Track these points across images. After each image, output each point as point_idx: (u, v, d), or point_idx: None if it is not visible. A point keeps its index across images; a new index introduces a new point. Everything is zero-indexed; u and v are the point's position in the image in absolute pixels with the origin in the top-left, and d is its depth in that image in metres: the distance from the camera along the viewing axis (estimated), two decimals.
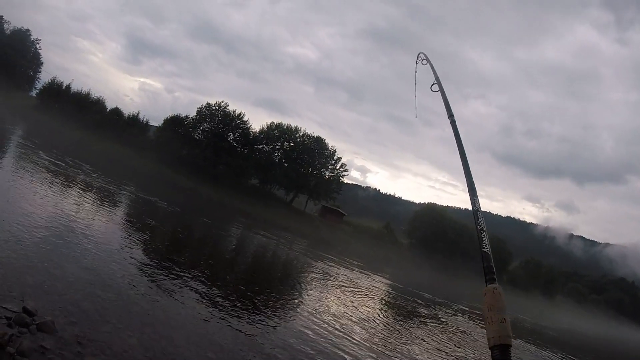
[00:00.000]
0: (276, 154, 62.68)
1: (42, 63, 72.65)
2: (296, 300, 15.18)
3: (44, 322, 6.13)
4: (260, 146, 62.09)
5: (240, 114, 60.23)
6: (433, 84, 3.97)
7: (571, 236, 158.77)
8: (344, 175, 65.25)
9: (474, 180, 2.90)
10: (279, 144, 62.57)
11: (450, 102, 3.48)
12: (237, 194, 52.87)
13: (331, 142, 70.10)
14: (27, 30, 69.82)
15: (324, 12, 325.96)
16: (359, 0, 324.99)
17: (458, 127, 3.21)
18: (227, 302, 11.40)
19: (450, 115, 3.50)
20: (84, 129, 49.46)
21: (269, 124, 62.79)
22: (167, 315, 8.90)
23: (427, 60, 4.39)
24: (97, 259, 10.67)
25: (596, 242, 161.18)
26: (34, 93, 67.47)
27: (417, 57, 4.68)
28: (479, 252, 2.36)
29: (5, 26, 68.28)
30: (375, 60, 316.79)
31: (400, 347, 13.15)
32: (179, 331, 8.37)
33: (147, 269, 11.73)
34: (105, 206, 18.85)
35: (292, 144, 62.33)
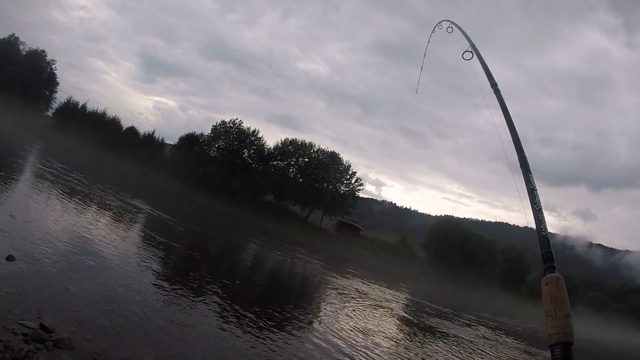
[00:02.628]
0: (291, 170, 62.76)
1: (57, 83, 73.84)
2: (314, 317, 14.94)
3: (60, 339, 6.08)
4: (275, 162, 62.28)
5: (254, 130, 60.72)
6: (465, 52, 3.65)
7: (590, 244, 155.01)
8: (359, 189, 65.04)
9: (525, 155, 2.71)
10: (294, 159, 62.69)
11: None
12: (253, 211, 52.94)
13: (345, 157, 70.00)
14: (43, 51, 71.29)
15: (334, 27, 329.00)
16: (368, 15, 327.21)
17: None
18: (244, 318, 11.27)
19: (494, 84, 3.21)
20: (100, 147, 50.29)
21: (283, 140, 63.14)
22: (184, 332, 8.81)
23: (454, 26, 4.01)
24: (114, 276, 10.66)
25: (616, 249, 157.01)
26: (50, 113, 68.85)
27: (436, 27, 4.30)
28: (537, 236, 2.13)
29: (21, 47, 69.86)
30: (386, 74, 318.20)
31: None
32: (195, 347, 8.26)
33: (164, 286, 11.67)
34: (122, 223, 18.94)
35: (306, 160, 62.37)
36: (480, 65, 3.51)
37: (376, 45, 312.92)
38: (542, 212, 2.20)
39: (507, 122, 3.07)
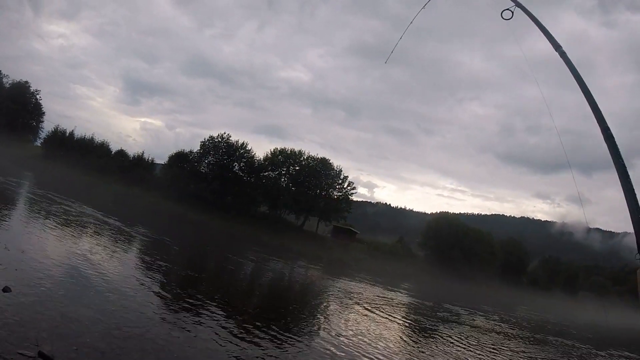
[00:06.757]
0: (283, 180, 62.67)
1: (43, 113, 72.53)
2: (317, 325, 15.02)
3: None
4: (266, 173, 62.24)
5: (243, 143, 60.69)
6: (504, 10, 3.22)
7: (589, 229, 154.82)
8: (352, 193, 65.00)
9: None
10: (285, 169, 62.67)
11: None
12: (248, 223, 52.87)
13: (335, 162, 69.98)
14: (26, 82, 69.98)
15: (310, 33, 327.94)
16: (343, 19, 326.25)
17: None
18: (245, 332, 11.32)
19: (558, 47, 2.83)
20: (91, 173, 50.05)
21: (272, 150, 63.09)
22: (184, 350, 8.89)
23: None
24: (111, 299, 10.74)
25: (614, 232, 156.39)
26: (38, 143, 68.33)
27: None
28: (630, 218, 1.81)
29: (5, 80, 68.82)
30: (366, 76, 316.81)
31: None
32: None
33: (162, 305, 11.75)
34: (118, 247, 18.99)
35: (297, 168, 62.39)
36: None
37: (354, 48, 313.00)
38: (634, 192, 2.00)
39: (583, 92, 2.70)
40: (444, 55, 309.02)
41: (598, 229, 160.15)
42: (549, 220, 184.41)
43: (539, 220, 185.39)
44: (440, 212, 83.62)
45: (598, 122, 2.38)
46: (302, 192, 60.35)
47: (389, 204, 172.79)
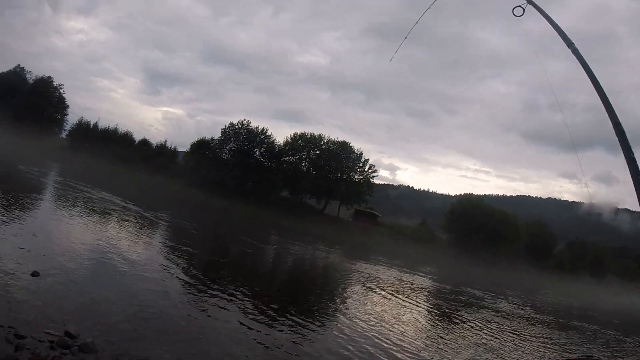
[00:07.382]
0: (303, 164, 62.83)
1: (67, 106, 75.07)
2: (335, 309, 15.12)
3: (84, 343, 6.50)
4: (287, 158, 62.52)
5: (263, 129, 61.03)
6: (516, 7, 3.12)
7: (617, 210, 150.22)
8: (373, 176, 64.84)
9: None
10: (305, 153, 62.77)
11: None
12: (269, 208, 53.32)
13: (356, 145, 69.61)
14: (49, 77, 72.56)
15: (325, 17, 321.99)
16: (358, 0, 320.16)
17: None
18: (265, 314, 11.56)
19: (570, 44, 2.86)
20: (115, 162, 51.15)
21: (292, 135, 63.27)
22: (204, 331, 9.16)
23: None
24: (135, 282, 11.13)
25: None
26: (63, 135, 70.71)
27: None
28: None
29: (28, 76, 72.24)
30: (384, 57, 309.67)
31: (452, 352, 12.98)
32: (215, 345, 8.60)
33: (184, 288, 12.09)
34: (141, 232, 19.48)
35: (317, 152, 62.42)
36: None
37: (371, 29, 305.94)
38: None
39: (594, 86, 2.73)
40: (463, 31, 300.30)
41: (627, 210, 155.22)
42: (577, 201, 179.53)
43: (566, 201, 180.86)
44: (464, 194, 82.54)
45: (610, 116, 2.39)
46: (322, 176, 60.46)
47: (412, 187, 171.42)
